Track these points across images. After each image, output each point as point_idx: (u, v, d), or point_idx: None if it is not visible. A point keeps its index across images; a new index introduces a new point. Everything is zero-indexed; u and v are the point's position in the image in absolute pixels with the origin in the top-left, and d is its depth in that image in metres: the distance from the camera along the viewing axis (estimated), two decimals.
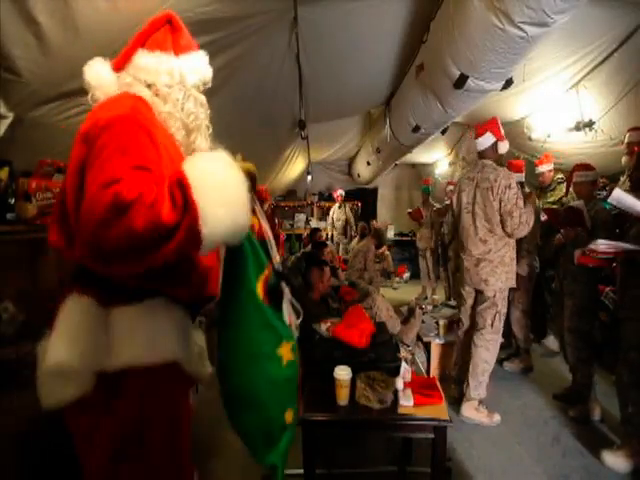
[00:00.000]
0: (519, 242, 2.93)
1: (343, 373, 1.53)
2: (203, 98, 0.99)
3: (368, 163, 5.90)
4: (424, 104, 3.08)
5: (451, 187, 4.55)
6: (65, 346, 0.76)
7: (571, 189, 2.70)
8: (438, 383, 1.67)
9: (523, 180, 3.15)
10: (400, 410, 1.50)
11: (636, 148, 2.61)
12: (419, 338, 3.03)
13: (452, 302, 3.68)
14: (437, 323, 3.05)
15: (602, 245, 1.94)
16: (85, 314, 0.80)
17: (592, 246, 1.99)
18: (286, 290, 0.90)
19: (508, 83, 2.46)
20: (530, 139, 4.00)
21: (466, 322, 2.52)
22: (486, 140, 2.33)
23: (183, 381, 0.92)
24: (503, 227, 2.22)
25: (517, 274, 2.89)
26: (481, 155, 2.38)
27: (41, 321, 1.38)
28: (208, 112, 1.00)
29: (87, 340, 0.78)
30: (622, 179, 2.89)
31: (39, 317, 1.51)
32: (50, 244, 0.87)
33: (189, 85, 0.94)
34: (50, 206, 1.64)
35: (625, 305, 1.99)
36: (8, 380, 1.26)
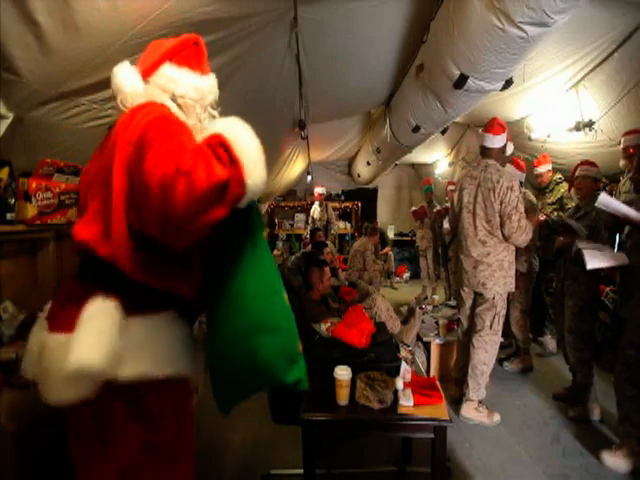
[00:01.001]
0: None
1: (343, 373, 1.53)
2: (217, 114, 1.05)
3: (368, 163, 5.90)
4: (424, 104, 3.08)
5: (451, 187, 4.55)
6: (90, 349, 0.78)
7: (572, 189, 2.70)
8: (438, 383, 1.67)
9: (523, 180, 3.15)
10: (400, 410, 1.50)
11: (631, 151, 2.62)
12: (419, 338, 3.03)
13: (452, 302, 3.69)
14: (437, 323, 3.06)
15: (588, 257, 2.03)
16: (110, 319, 0.82)
17: (581, 247, 2.08)
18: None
19: (508, 83, 2.46)
20: (530, 139, 4.00)
21: (465, 323, 2.52)
22: (500, 140, 2.31)
23: (190, 391, 0.99)
24: (501, 229, 2.22)
25: (516, 271, 2.90)
26: (486, 154, 2.35)
27: None
28: None
29: (109, 346, 0.80)
30: (622, 180, 2.89)
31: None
32: (80, 243, 0.87)
33: (206, 103, 1.02)
34: (50, 206, 1.64)
35: (630, 305, 1.99)
36: (8, 380, 1.26)
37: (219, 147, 0.76)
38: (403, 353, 2.41)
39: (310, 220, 6.59)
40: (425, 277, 5.50)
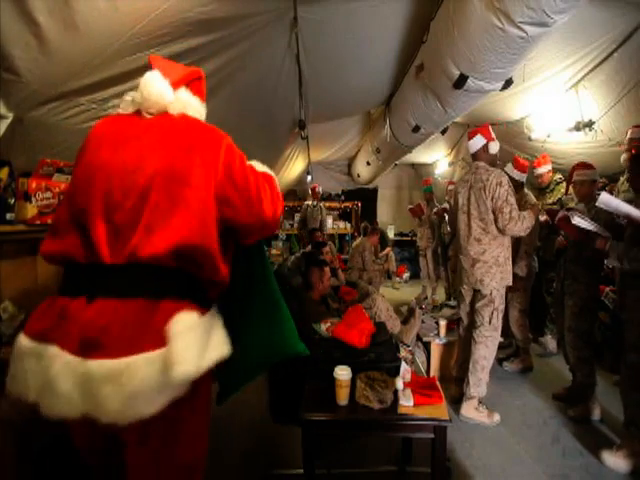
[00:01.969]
0: (518, 243, 2.95)
1: (343, 373, 1.53)
2: None
3: (368, 163, 5.90)
4: (424, 104, 3.08)
5: (451, 187, 4.55)
6: (191, 359, 0.82)
7: (570, 189, 2.69)
8: (438, 383, 1.67)
9: (524, 180, 3.15)
10: (400, 410, 1.50)
11: (635, 143, 2.59)
12: (419, 338, 3.03)
13: (452, 302, 3.69)
14: (437, 323, 3.06)
15: (576, 218, 2.03)
16: (200, 328, 0.88)
17: (570, 213, 2.07)
18: None
19: (508, 83, 2.46)
20: (530, 139, 4.00)
21: (465, 320, 2.57)
22: (477, 142, 2.41)
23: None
24: (496, 223, 2.28)
25: (515, 275, 2.91)
26: (474, 157, 2.46)
27: None
28: None
29: (200, 352, 0.85)
30: (621, 179, 2.89)
31: None
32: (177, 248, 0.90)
33: None
34: (50, 206, 1.64)
35: (626, 306, 1.99)
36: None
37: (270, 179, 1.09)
38: (403, 353, 2.41)
39: (298, 223, 6.13)
40: (425, 277, 5.51)
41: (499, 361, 3.23)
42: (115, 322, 0.82)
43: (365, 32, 2.65)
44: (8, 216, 1.54)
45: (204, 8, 1.69)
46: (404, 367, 1.62)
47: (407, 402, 1.51)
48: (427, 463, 1.55)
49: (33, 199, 1.56)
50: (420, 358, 2.92)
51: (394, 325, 2.85)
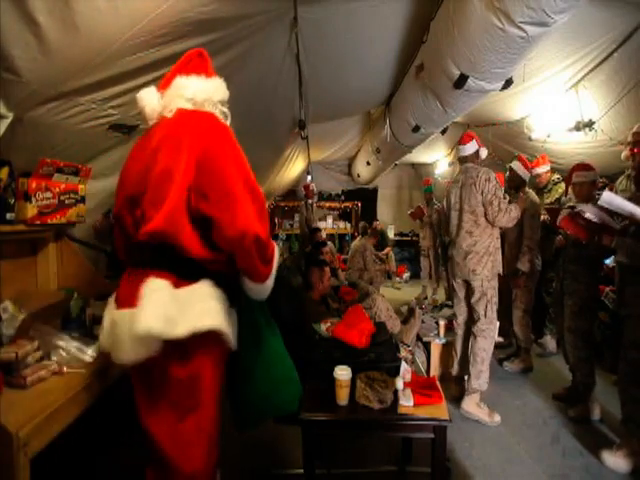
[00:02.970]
0: (520, 239, 2.96)
1: (343, 373, 1.53)
2: (227, 110, 1.24)
3: (368, 163, 5.90)
4: (424, 104, 3.08)
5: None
6: (153, 317, 0.98)
7: (570, 190, 2.68)
8: (438, 383, 1.67)
9: (527, 179, 3.17)
10: (400, 410, 1.50)
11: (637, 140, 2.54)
12: (419, 338, 3.03)
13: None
14: (437, 323, 3.06)
15: (588, 213, 2.02)
16: (165, 292, 1.03)
17: (581, 208, 2.06)
18: None
19: (508, 83, 2.46)
20: (530, 139, 4.00)
21: (459, 314, 2.64)
22: (471, 147, 2.58)
23: (223, 345, 1.15)
24: (485, 216, 2.42)
25: (518, 270, 2.93)
26: (464, 160, 2.61)
27: (41, 321, 1.38)
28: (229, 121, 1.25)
29: (166, 314, 1.00)
30: (620, 179, 2.88)
31: (39, 317, 1.51)
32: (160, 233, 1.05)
33: (215, 100, 1.20)
34: (50, 206, 1.64)
35: (625, 302, 1.99)
36: (8, 380, 1.26)
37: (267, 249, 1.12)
38: (403, 353, 2.42)
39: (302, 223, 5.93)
40: (426, 277, 5.51)
41: (499, 361, 3.24)
42: (127, 285, 1.12)
43: (365, 32, 2.65)
44: (8, 216, 1.53)
45: (204, 8, 1.68)
46: (404, 367, 1.62)
47: (407, 402, 1.51)
48: (427, 463, 1.55)
49: (33, 199, 1.56)
50: (420, 358, 2.92)
51: (394, 325, 2.85)
